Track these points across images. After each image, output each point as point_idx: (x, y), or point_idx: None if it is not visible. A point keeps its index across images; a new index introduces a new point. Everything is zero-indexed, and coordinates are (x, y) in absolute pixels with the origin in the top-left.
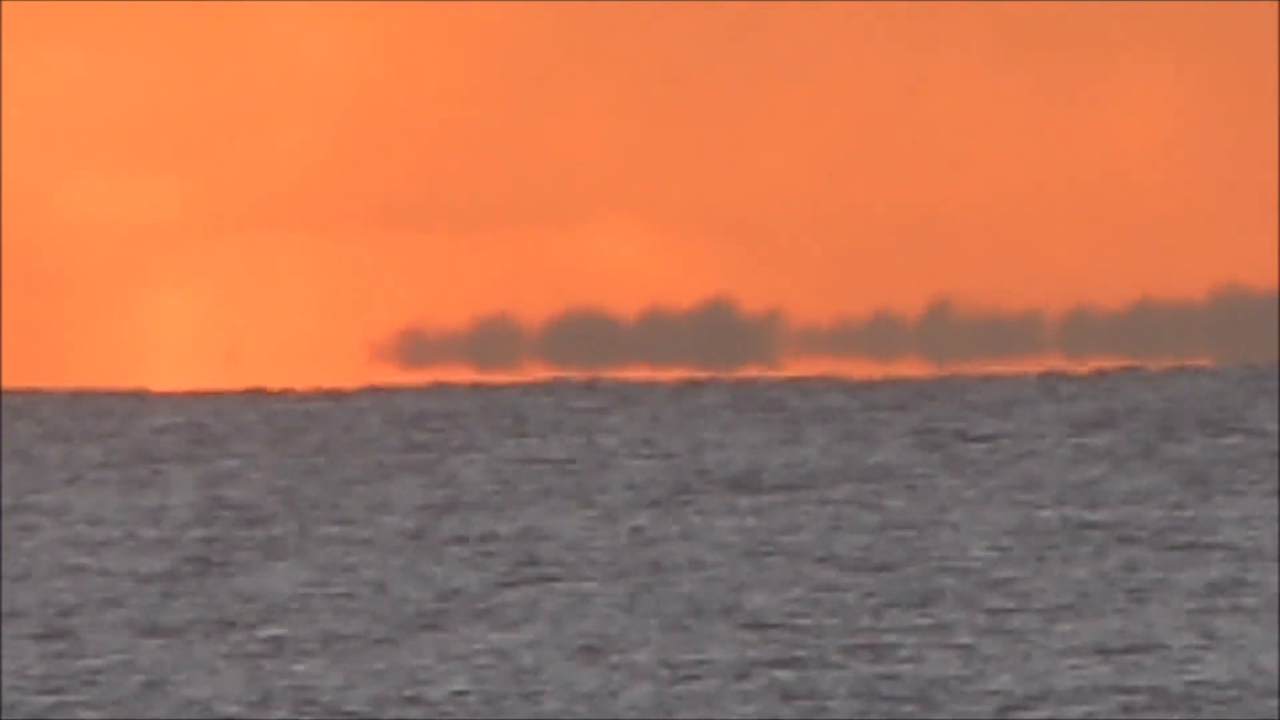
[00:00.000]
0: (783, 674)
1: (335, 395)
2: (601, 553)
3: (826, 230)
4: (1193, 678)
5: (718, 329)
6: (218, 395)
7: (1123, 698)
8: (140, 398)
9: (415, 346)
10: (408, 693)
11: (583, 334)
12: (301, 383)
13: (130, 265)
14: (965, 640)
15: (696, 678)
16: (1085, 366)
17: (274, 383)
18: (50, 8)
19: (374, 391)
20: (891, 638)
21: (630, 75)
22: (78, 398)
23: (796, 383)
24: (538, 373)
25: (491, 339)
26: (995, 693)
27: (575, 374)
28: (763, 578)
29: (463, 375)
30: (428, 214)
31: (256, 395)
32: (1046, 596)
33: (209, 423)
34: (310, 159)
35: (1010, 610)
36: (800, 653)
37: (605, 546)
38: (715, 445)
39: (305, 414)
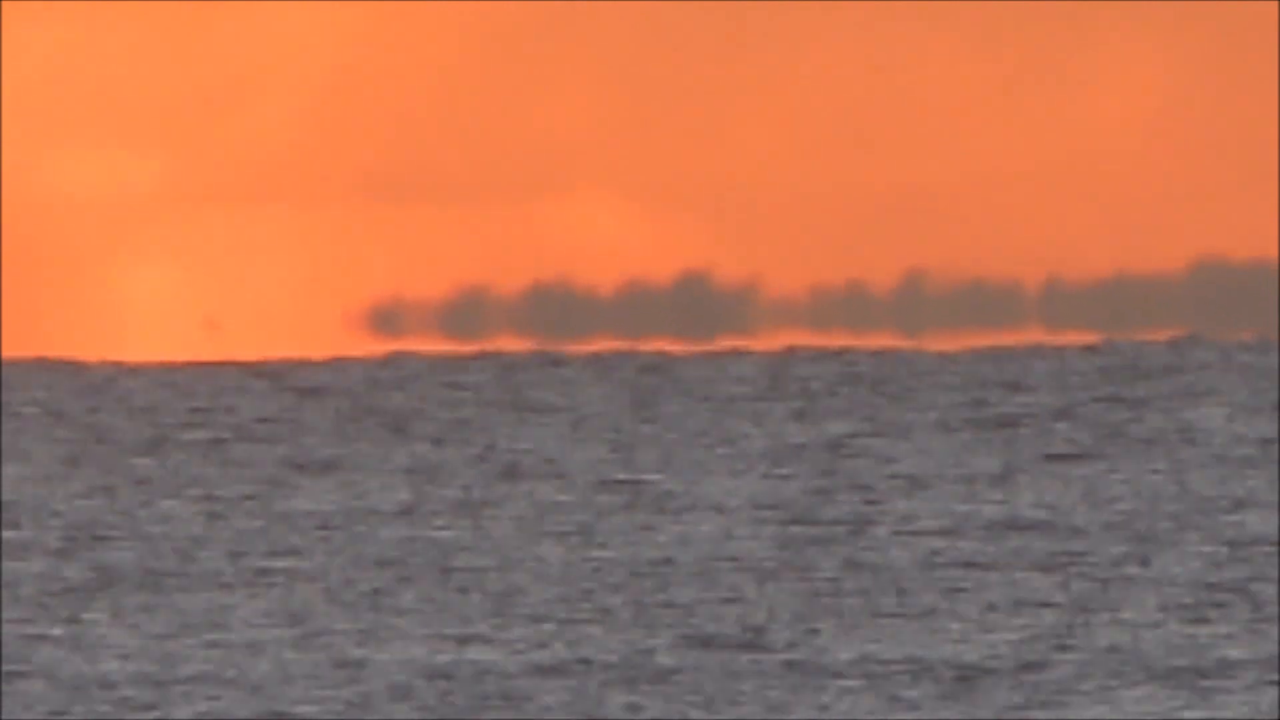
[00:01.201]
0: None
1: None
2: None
3: (803, 203)
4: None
5: (694, 301)
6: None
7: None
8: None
9: (392, 318)
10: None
11: (559, 307)
12: (280, 353)
13: (110, 237)
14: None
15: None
16: (1063, 339)
17: (252, 354)
18: None
19: (345, 362)
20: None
21: (607, 49)
22: (59, 366)
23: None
24: (513, 345)
25: (468, 311)
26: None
27: (552, 347)
28: None
29: (438, 346)
30: (405, 187)
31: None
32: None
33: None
34: (289, 133)
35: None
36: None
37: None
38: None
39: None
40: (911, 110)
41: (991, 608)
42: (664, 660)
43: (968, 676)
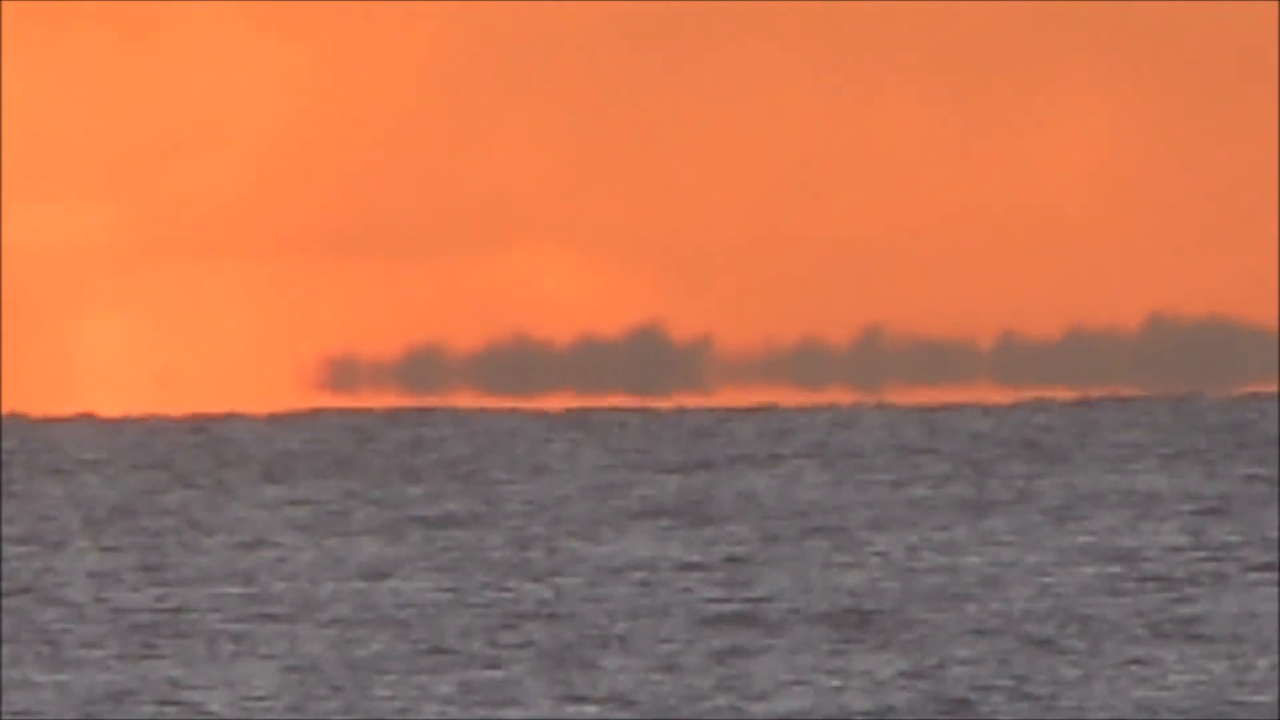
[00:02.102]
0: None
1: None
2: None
3: (756, 257)
4: None
5: (648, 356)
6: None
7: None
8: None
9: (345, 373)
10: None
11: (513, 361)
12: (233, 407)
13: (64, 291)
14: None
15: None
16: (1016, 394)
17: (206, 408)
18: None
19: (299, 416)
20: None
21: (559, 105)
22: (14, 421)
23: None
24: (468, 400)
25: (422, 366)
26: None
27: (511, 402)
28: None
29: (391, 402)
30: (359, 242)
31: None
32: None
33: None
34: (242, 187)
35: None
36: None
37: None
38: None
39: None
40: (865, 166)
41: None
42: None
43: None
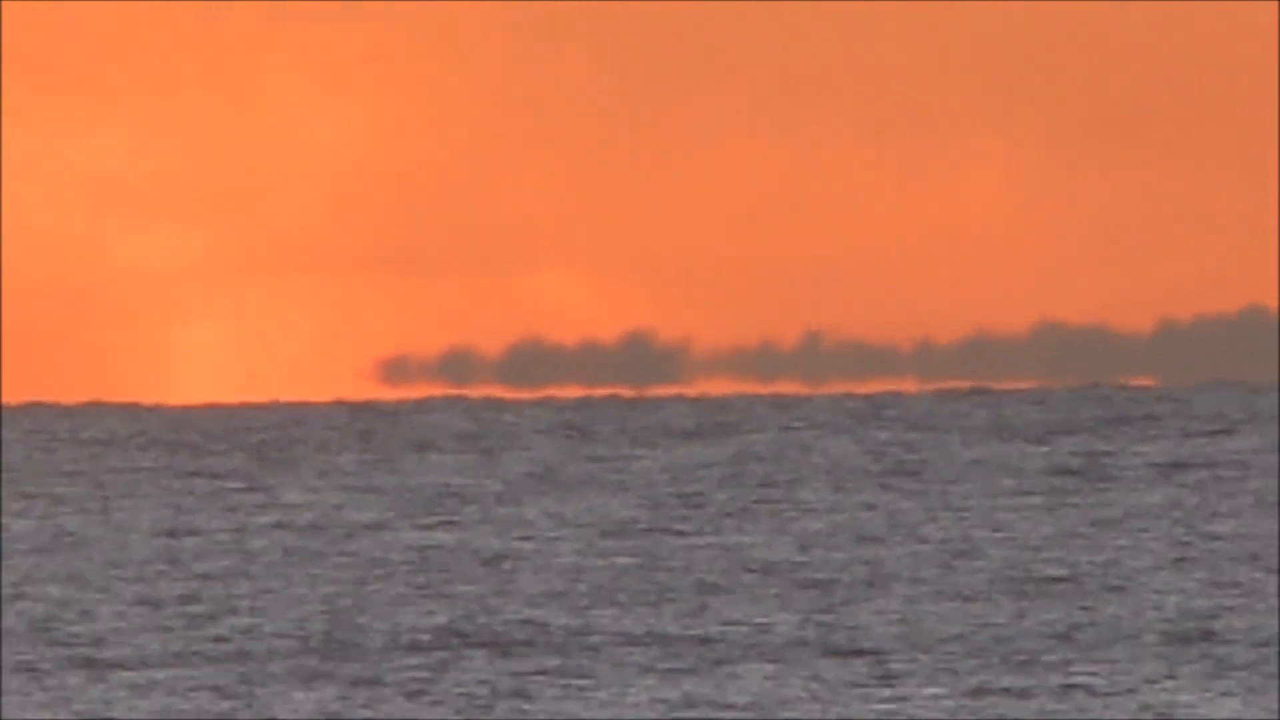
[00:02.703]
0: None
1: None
2: None
3: (724, 277)
4: None
5: (638, 356)
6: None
7: None
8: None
9: (395, 369)
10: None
11: (530, 360)
12: (304, 397)
13: (169, 302)
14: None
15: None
16: (931, 388)
17: (282, 396)
18: (103, 97)
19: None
20: None
21: (566, 155)
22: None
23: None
24: (495, 391)
25: (457, 364)
26: None
27: (528, 393)
28: None
29: (430, 392)
30: (406, 263)
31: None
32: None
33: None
34: (312, 217)
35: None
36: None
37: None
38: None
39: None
40: (812, 199)
41: None
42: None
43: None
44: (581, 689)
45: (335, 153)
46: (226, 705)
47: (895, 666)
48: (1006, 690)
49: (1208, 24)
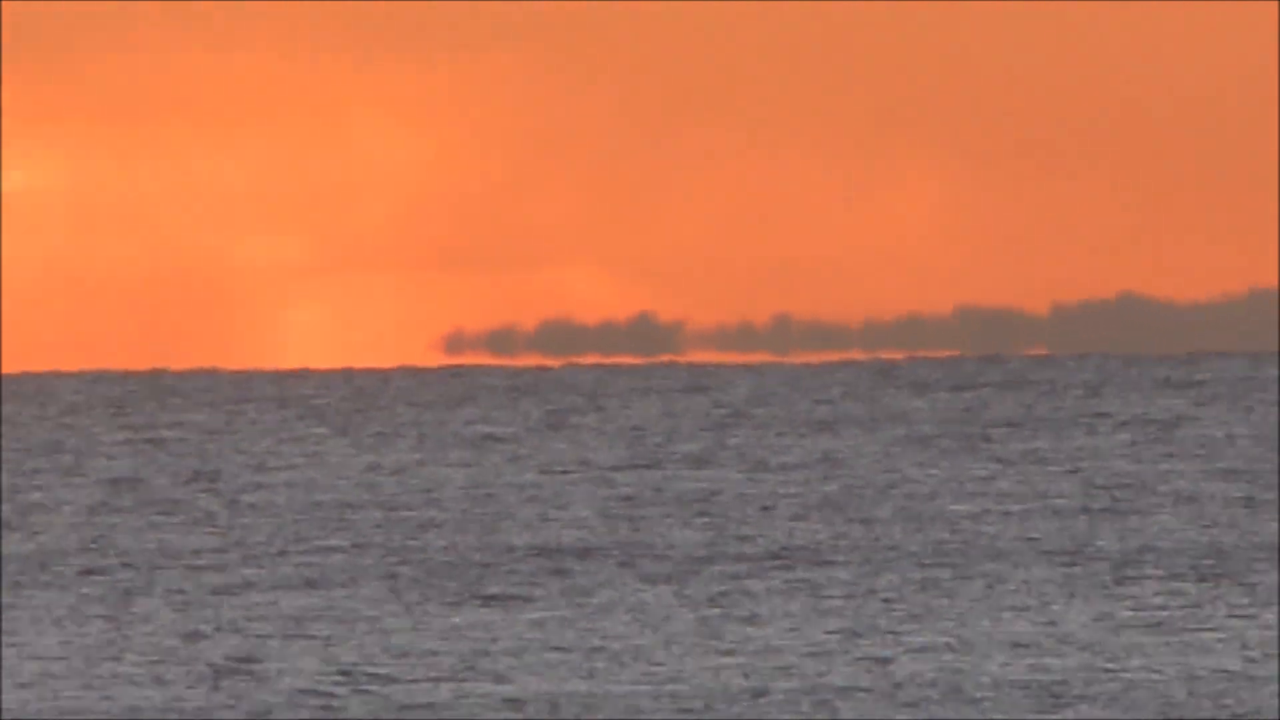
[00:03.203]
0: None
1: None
2: None
3: (713, 271)
4: None
5: (643, 332)
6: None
7: None
8: (294, 374)
9: (455, 343)
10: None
11: (560, 336)
12: (383, 364)
13: (273, 291)
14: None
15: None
16: (872, 356)
17: (366, 364)
18: (224, 129)
19: (421, 370)
20: None
21: (586, 178)
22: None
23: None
24: (531, 361)
25: (501, 339)
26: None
27: (557, 361)
28: None
29: (484, 360)
30: (460, 259)
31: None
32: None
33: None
34: (385, 225)
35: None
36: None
37: None
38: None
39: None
40: (780, 208)
41: None
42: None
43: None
44: (586, 598)
45: (404, 173)
46: (452, 585)
47: (832, 572)
48: (872, 592)
49: (1081, 74)
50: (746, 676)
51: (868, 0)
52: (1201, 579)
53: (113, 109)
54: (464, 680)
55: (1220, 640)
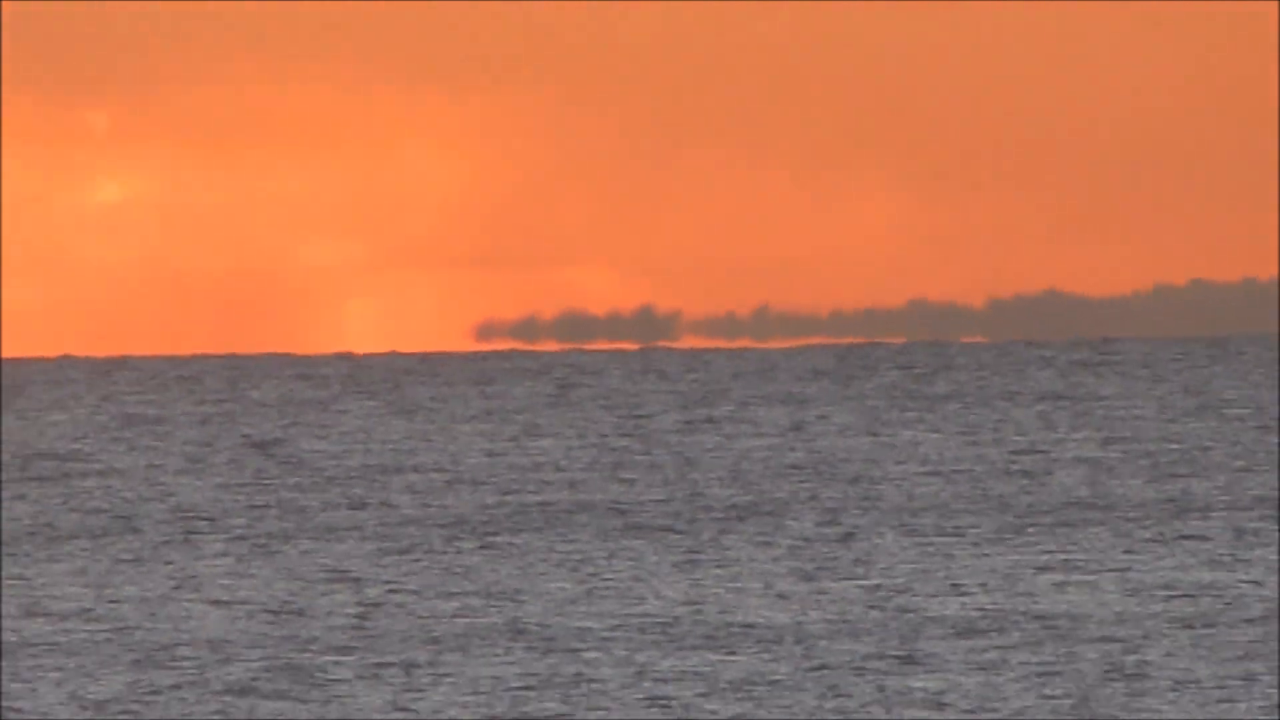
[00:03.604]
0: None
1: (444, 357)
2: None
3: (703, 270)
4: None
5: (645, 322)
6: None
7: None
8: (344, 357)
9: (487, 331)
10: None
11: (575, 325)
12: (431, 349)
13: (334, 287)
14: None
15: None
16: (845, 342)
17: (416, 349)
18: (293, 150)
19: (463, 355)
20: None
21: (597, 192)
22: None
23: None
24: (551, 346)
25: (526, 328)
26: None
27: (573, 345)
28: None
29: (509, 345)
30: (491, 260)
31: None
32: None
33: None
34: (428, 231)
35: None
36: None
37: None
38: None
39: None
40: (764, 218)
41: None
42: None
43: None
44: (577, 559)
45: (443, 187)
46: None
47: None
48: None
49: (1010, 107)
50: (721, 612)
51: (831, 49)
52: (1100, 526)
53: (196, 133)
54: (478, 605)
55: (1110, 580)
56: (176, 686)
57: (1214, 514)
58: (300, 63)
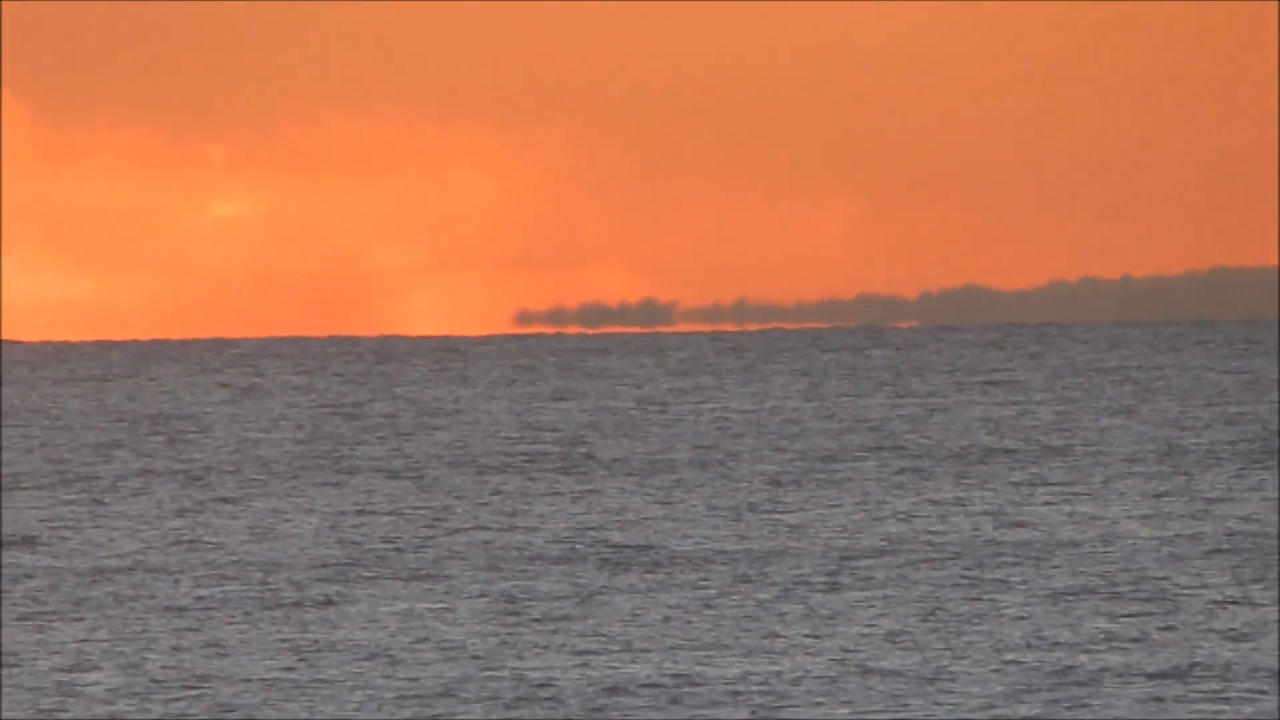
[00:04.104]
0: None
1: (484, 339)
2: None
3: (696, 271)
4: None
5: (649, 311)
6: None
7: None
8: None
9: (523, 319)
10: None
11: (592, 314)
12: (480, 333)
13: (398, 285)
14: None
15: None
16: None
17: (463, 333)
18: (359, 176)
19: (505, 338)
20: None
21: (610, 207)
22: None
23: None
24: (570, 329)
25: (555, 316)
26: None
27: (592, 330)
28: None
29: (541, 329)
30: (526, 263)
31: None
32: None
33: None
34: (475, 238)
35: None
36: None
37: None
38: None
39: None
40: (743, 233)
41: None
42: None
43: None
44: (585, 492)
45: (488, 203)
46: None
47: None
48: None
49: (939, 137)
50: (686, 537)
51: (794, 95)
52: (985, 465)
53: (292, 161)
54: (503, 533)
55: (1015, 514)
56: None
57: (1083, 460)
58: (374, 104)
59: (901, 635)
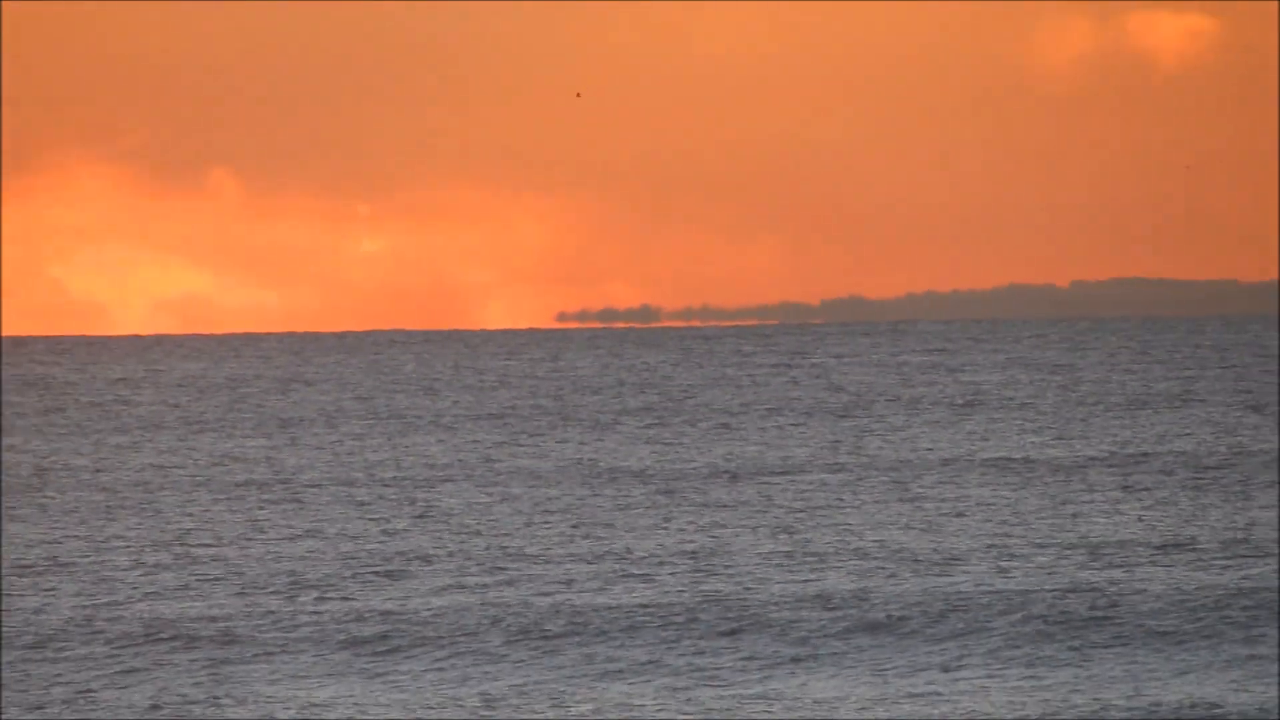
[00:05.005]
0: None
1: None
2: None
3: (674, 284)
4: None
5: (643, 314)
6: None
7: None
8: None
9: (561, 316)
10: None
11: (607, 314)
12: (525, 325)
13: (475, 295)
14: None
15: None
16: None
17: (504, 325)
18: (457, 211)
19: (533, 331)
20: None
21: (619, 222)
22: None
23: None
24: (595, 326)
25: (582, 316)
26: None
27: (609, 324)
28: None
29: (573, 326)
30: (563, 280)
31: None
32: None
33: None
34: (529, 262)
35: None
36: None
37: None
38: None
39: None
40: (706, 253)
41: None
42: None
43: None
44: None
45: (537, 241)
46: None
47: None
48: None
49: (836, 174)
50: (654, 502)
51: (740, 157)
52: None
53: (414, 214)
54: (554, 451)
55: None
56: None
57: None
58: (466, 174)
59: None
